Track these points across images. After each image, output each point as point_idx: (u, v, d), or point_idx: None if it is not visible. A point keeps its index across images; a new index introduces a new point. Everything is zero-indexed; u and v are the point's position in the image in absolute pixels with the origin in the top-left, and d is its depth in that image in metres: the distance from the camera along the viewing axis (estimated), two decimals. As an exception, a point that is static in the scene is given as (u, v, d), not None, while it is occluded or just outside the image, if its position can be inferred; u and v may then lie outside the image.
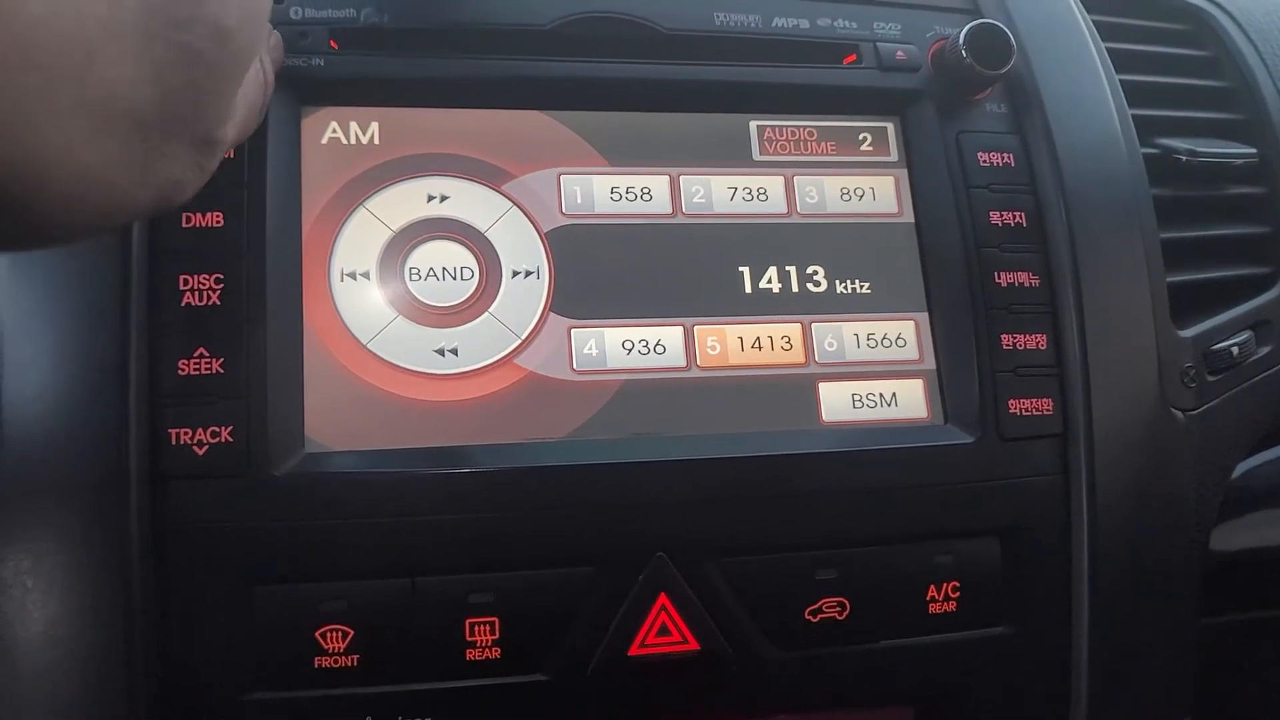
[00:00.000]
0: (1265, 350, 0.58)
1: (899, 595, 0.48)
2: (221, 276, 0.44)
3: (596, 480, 0.45)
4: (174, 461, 0.42)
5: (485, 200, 0.49)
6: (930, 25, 0.55)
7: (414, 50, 0.49)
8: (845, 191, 0.53)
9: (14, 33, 0.24)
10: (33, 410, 0.42)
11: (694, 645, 0.46)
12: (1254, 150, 0.62)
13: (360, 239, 0.47)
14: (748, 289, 0.50)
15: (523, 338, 0.48)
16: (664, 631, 0.46)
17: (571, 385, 0.47)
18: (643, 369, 0.48)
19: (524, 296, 0.48)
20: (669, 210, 0.51)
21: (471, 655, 0.44)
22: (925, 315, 0.52)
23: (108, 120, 0.27)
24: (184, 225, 0.44)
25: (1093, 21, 0.60)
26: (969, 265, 0.51)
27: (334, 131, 0.48)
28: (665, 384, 0.48)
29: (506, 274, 0.48)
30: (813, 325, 0.50)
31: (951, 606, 0.49)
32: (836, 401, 0.50)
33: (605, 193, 0.50)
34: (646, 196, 0.51)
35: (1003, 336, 0.51)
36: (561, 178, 0.50)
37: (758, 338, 0.50)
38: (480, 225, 0.49)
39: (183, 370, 0.43)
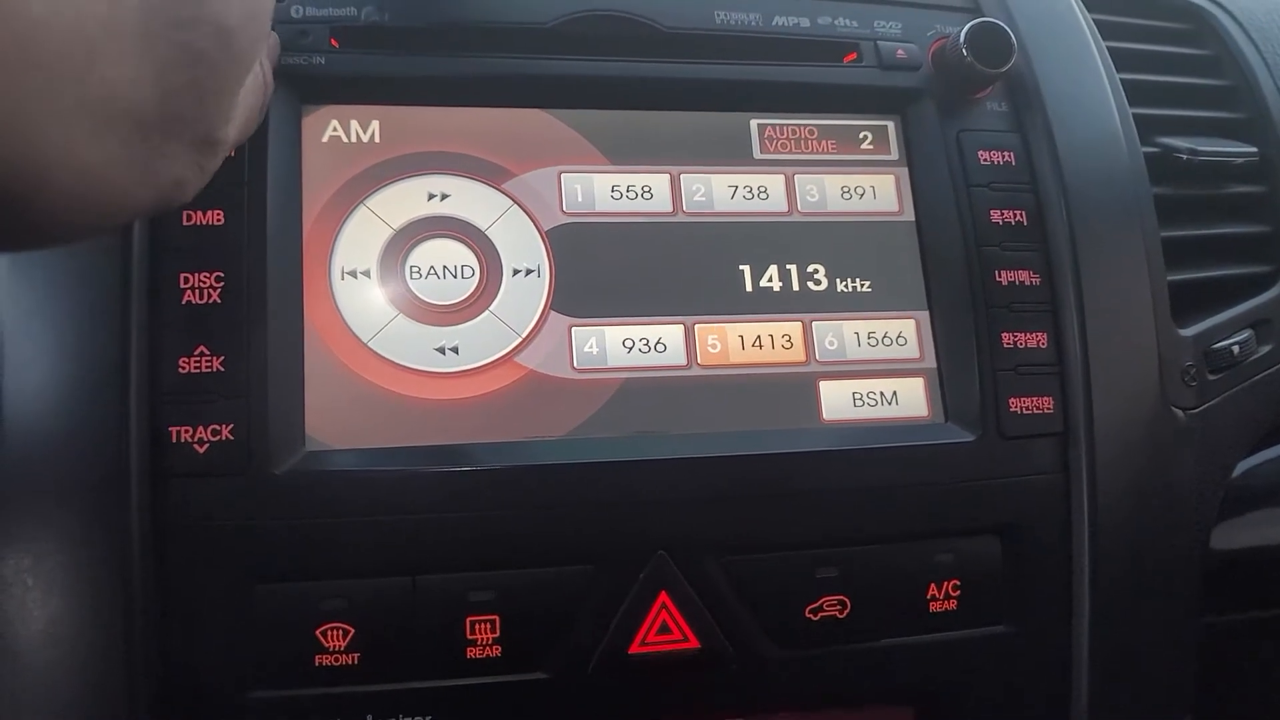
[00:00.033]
0: (1266, 349, 0.58)
1: (899, 594, 0.48)
2: (222, 275, 0.44)
3: (597, 478, 0.45)
4: (174, 460, 0.42)
5: (486, 199, 0.49)
6: (931, 24, 0.55)
7: (415, 49, 0.49)
8: (846, 190, 0.53)
9: (15, 32, 0.24)
10: (33, 408, 0.42)
11: (694, 644, 0.46)
12: (1254, 149, 0.62)
13: (361, 237, 0.47)
14: (748, 287, 0.50)
15: (523, 336, 0.48)
16: (664, 630, 0.46)
17: (572, 384, 0.47)
18: (643, 367, 0.48)
19: (524, 295, 0.48)
20: (670, 209, 0.51)
21: (472, 653, 0.44)
22: (926, 314, 0.52)
23: (109, 120, 0.27)
24: (185, 223, 0.44)
25: (1093, 20, 0.60)
26: (969, 264, 0.51)
27: (335, 130, 0.48)
28: (666, 382, 0.48)
29: (507, 272, 0.48)
30: (813, 324, 0.50)
31: (952, 605, 0.49)
32: (837, 400, 0.50)
33: (606, 191, 0.50)
34: (647, 195, 0.51)
35: (1003, 335, 0.51)
36: (562, 176, 0.50)
37: (758, 336, 0.50)
38: (481, 223, 0.49)
39: (183, 368, 0.43)
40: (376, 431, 0.45)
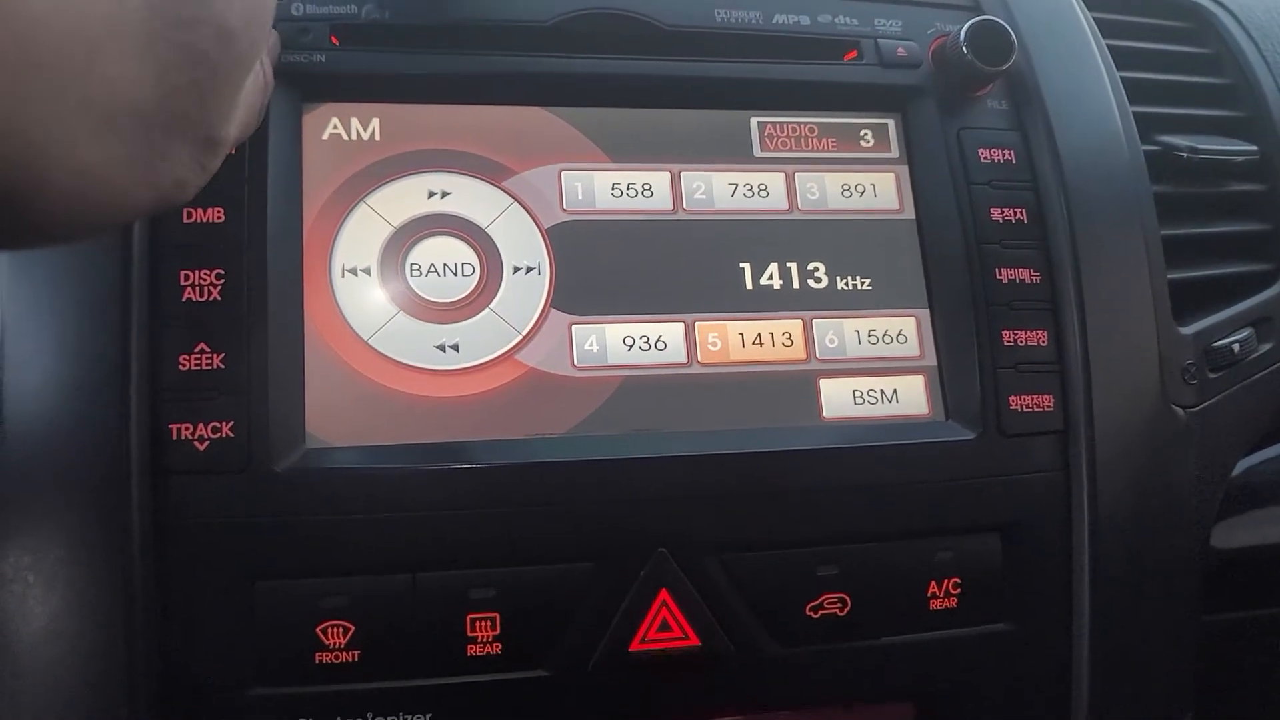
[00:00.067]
0: (1266, 347, 0.58)
1: (900, 591, 0.48)
2: (222, 272, 0.44)
3: (597, 476, 0.45)
4: (175, 457, 0.42)
5: (486, 196, 0.49)
6: (931, 22, 0.55)
7: (415, 46, 0.49)
8: (846, 188, 0.53)
9: (16, 31, 0.24)
10: (34, 406, 0.42)
11: (695, 641, 0.46)
12: (1255, 147, 0.62)
13: (361, 235, 0.47)
14: (749, 285, 0.50)
15: (523, 334, 0.48)
16: (665, 627, 0.46)
17: (572, 381, 0.47)
18: (643, 365, 0.48)
19: (525, 292, 0.48)
20: (670, 206, 0.51)
21: (472, 651, 0.44)
22: (926, 311, 0.52)
23: (110, 119, 0.27)
24: (185, 221, 0.44)
25: (1093, 18, 0.60)
26: (970, 261, 0.51)
27: (335, 127, 0.48)
28: (666, 380, 0.48)
29: (507, 270, 0.48)
30: (814, 321, 0.51)
31: (952, 603, 0.49)
32: (837, 398, 0.50)
33: (606, 189, 0.50)
34: (647, 193, 0.51)
35: (1004, 333, 0.51)
36: (562, 174, 0.50)
37: (759, 334, 0.50)
38: (481, 221, 0.49)
39: (184, 366, 0.43)
40: (377, 429, 0.45)
